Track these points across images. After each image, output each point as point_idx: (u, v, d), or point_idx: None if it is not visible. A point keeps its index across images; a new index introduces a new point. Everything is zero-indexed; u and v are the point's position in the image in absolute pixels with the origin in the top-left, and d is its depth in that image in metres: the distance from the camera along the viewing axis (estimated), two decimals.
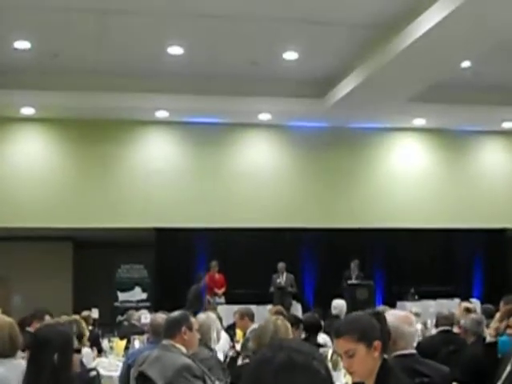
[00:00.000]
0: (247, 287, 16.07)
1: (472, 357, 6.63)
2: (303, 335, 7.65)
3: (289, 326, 4.96)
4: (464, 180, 18.57)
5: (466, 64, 14.47)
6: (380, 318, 3.95)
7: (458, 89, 16.14)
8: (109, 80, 15.20)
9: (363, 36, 13.41)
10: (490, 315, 9.88)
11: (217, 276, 16.02)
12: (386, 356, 3.87)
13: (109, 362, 7.72)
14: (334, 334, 3.69)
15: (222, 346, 7.93)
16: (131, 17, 12.42)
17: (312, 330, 7.82)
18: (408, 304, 15.30)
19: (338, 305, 11.21)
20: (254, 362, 1.73)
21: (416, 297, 16.37)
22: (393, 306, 12.75)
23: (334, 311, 11.00)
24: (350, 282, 16.27)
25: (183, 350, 5.13)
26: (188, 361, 4.95)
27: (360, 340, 3.56)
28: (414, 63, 13.12)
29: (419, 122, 17.82)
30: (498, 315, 6.87)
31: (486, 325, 8.90)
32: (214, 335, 6.35)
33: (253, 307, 10.86)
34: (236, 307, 13.55)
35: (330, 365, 5.84)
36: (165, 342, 5.21)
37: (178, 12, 12.27)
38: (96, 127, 16.56)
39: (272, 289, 15.89)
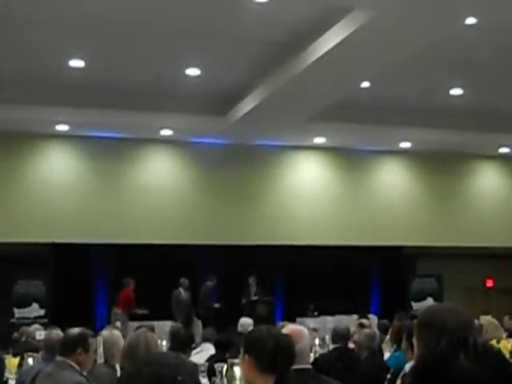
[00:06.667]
0: (148, 303, 15.96)
1: (365, 371, 6.77)
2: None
3: (158, 340, 4.99)
4: (363, 198, 18.92)
5: (365, 84, 14.78)
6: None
7: (357, 108, 16.45)
8: (8, 92, 14.86)
9: (265, 54, 13.53)
10: (385, 330, 10.15)
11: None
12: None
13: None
14: None
15: None
16: (32, 27, 12.20)
17: (222, 347, 8.31)
18: (307, 320, 15.49)
19: (245, 323, 11.26)
20: (123, 376, 1.76)
21: (315, 313, 16.55)
22: (293, 321, 12.83)
23: (239, 329, 11.05)
24: (249, 298, 16.35)
25: (77, 367, 5.06)
26: (81, 379, 4.90)
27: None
28: (315, 82, 13.33)
29: (319, 140, 18.05)
30: (390, 331, 7.04)
31: (381, 340, 9.12)
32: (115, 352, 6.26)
33: (153, 323, 10.85)
34: (137, 323, 13.49)
35: (225, 380, 5.86)
36: (59, 358, 5.13)
37: (79, 25, 12.13)
38: None
39: (174, 306, 15.82)
